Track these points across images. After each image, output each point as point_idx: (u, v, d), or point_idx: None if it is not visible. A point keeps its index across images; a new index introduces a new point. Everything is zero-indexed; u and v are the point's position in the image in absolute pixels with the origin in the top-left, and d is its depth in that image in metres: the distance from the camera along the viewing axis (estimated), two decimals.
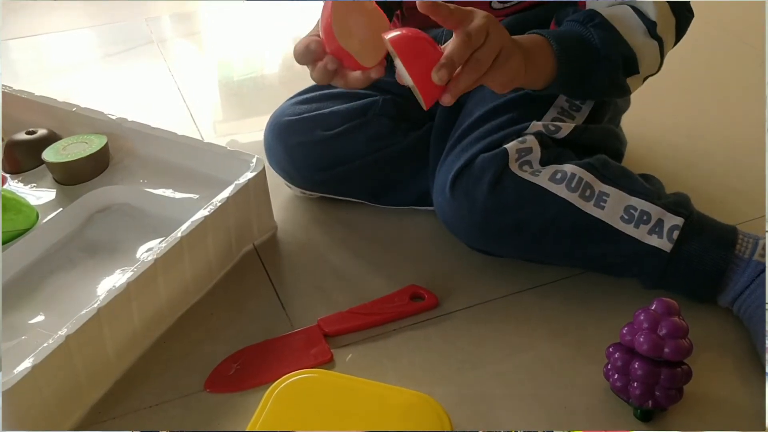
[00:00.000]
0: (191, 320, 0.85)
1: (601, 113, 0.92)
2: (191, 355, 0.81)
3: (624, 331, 0.73)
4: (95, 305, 0.73)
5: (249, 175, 0.90)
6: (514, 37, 0.77)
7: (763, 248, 0.81)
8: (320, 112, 0.96)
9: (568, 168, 0.81)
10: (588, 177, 0.81)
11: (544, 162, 0.83)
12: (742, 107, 1.25)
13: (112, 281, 0.80)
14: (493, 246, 0.86)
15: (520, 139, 0.83)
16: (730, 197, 1.01)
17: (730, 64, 1.39)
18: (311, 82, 1.03)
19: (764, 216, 0.98)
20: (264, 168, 0.92)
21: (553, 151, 0.84)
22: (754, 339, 0.78)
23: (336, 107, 0.96)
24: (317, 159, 0.95)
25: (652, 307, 0.72)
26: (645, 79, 0.87)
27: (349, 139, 0.94)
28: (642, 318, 0.72)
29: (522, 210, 0.81)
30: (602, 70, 0.82)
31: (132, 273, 0.76)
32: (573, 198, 0.80)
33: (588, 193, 0.81)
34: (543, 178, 0.81)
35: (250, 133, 1.27)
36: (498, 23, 0.73)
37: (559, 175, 0.81)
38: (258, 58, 1.52)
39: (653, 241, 0.80)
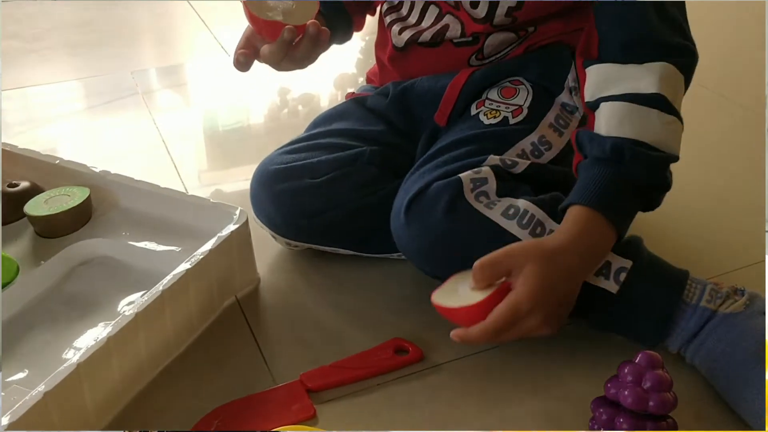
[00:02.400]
0: (172, 375, 0.84)
1: (568, 160, 0.91)
2: (172, 411, 0.79)
3: (609, 385, 0.73)
4: (74, 360, 0.72)
5: (232, 227, 0.90)
6: (560, 250, 0.76)
7: (710, 294, 0.80)
8: (308, 161, 0.96)
9: (521, 204, 0.82)
10: (540, 214, 0.81)
11: (501, 194, 0.83)
12: (722, 159, 1.27)
13: (94, 335, 0.79)
14: (443, 272, 0.85)
15: (475, 169, 0.84)
16: (709, 249, 1.02)
17: (708, 117, 1.41)
18: (298, 132, 1.05)
19: (743, 267, 0.99)
20: (247, 220, 0.92)
21: (510, 184, 0.85)
22: (720, 392, 0.78)
23: (324, 157, 0.96)
24: (304, 206, 0.95)
25: (636, 360, 0.72)
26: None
27: (336, 187, 0.94)
28: (626, 371, 0.72)
29: (472, 240, 0.82)
30: (657, 193, 0.82)
31: (112, 327, 0.75)
32: (523, 235, 0.81)
33: (539, 230, 0.81)
34: (496, 213, 0.82)
35: (235, 182, 1.27)
36: (550, 281, 0.74)
37: (512, 211, 0.81)
38: (243, 109, 1.53)
39: (600, 282, 0.80)
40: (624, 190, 0.79)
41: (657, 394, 0.70)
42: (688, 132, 1.32)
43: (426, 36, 0.96)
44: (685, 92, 0.85)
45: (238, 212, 0.93)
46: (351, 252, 0.99)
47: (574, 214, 0.79)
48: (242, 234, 0.92)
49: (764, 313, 0.78)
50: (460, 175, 0.83)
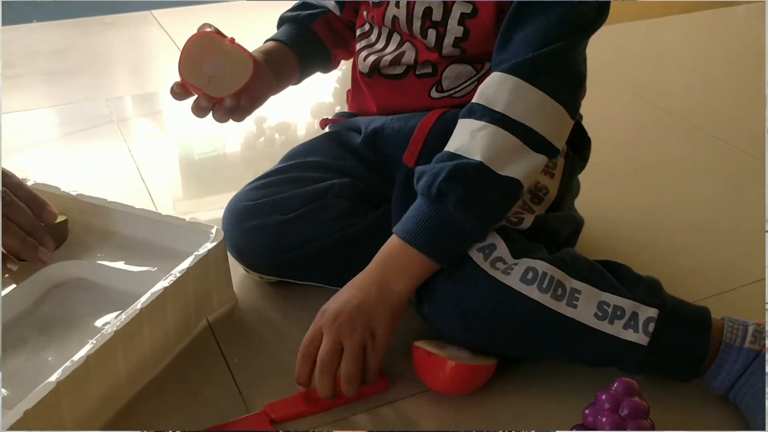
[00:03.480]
0: (144, 406, 0.82)
1: (563, 202, 0.93)
2: None
3: (586, 412, 0.73)
4: (54, 378, 0.71)
5: (209, 245, 0.90)
6: (366, 274, 0.82)
7: (753, 335, 0.80)
8: (278, 196, 0.95)
9: (540, 266, 0.80)
10: (559, 274, 0.80)
11: (516, 255, 0.82)
12: (691, 186, 1.29)
13: (69, 357, 0.78)
14: (473, 342, 0.85)
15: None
16: (683, 277, 1.02)
17: (677, 145, 1.44)
18: (274, 161, 1.06)
19: (717, 295, 1.00)
20: (224, 239, 0.92)
21: (523, 244, 0.84)
22: (753, 427, 0.78)
23: (294, 191, 0.96)
24: (275, 242, 0.94)
25: (613, 388, 0.73)
26: (539, 148, 0.82)
27: (308, 222, 0.94)
28: (603, 398, 0.72)
29: (495, 310, 0.80)
30: (447, 208, 0.80)
31: (91, 345, 0.75)
32: (545, 299, 0.79)
33: (560, 292, 0.80)
34: (514, 279, 0.80)
35: (211, 210, 1.27)
36: (337, 308, 0.80)
37: (530, 275, 0.80)
38: (219, 137, 1.53)
39: (629, 335, 0.79)
40: (416, 217, 0.81)
41: (634, 421, 0.70)
42: (660, 160, 1.37)
43: (386, 60, 0.97)
44: (570, 76, 0.85)
45: (214, 231, 0.93)
46: (325, 286, 0.98)
47: (388, 245, 0.83)
48: (219, 253, 0.92)
49: None
50: (468, 251, 0.81)
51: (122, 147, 1.44)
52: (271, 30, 1.06)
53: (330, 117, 1.12)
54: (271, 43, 1.02)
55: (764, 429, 0.75)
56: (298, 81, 1.05)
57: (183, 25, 2.03)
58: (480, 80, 0.95)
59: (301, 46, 1.02)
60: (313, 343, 0.80)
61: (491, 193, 0.81)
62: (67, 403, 0.72)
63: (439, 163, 0.82)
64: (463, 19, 0.91)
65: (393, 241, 0.82)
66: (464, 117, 0.84)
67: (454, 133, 0.84)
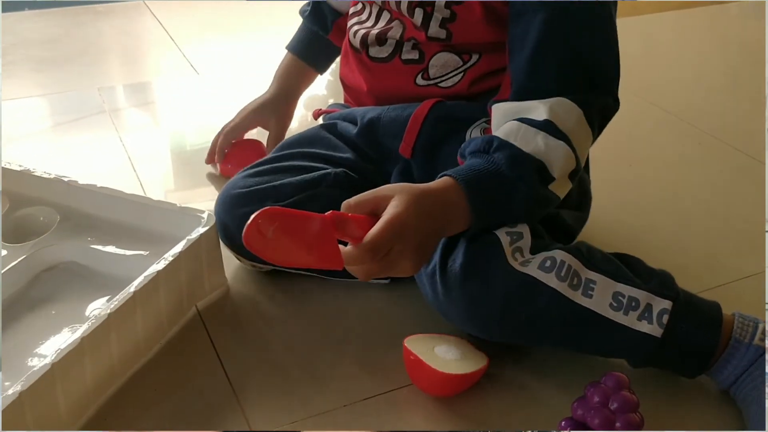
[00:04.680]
0: (134, 394, 0.82)
1: (568, 198, 0.93)
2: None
3: (575, 405, 0.73)
4: (48, 360, 0.71)
5: (200, 230, 0.90)
6: (425, 193, 0.77)
7: (763, 332, 0.80)
8: (271, 184, 0.95)
9: (557, 254, 0.80)
10: (575, 264, 0.80)
11: (534, 251, 0.81)
12: (683, 183, 1.29)
13: (61, 340, 0.78)
14: (481, 333, 0.84)
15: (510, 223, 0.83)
16: (672, 272, 1.03)
17: (669, 142, 1.44)
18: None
19: (706, 290, 0.99)
20: (215, 224, 0.92)
21: (543, 242, 0.83)
22: (746, 420, 0.78)
23: (287, 179, 0.96)
24: None
25: (603, 382, 0.73)
26: (572, 177, 0.85)
27: (301, 209, 0.94)
28: (593, 392, 0.72)
29: (511, 300, 0.79)
30: (519, 191, 0.80)
31: (85, 327, 0.75)
32: (562, 288, 0.79)
33: (575, 281, 0.79)
34: (533, 267, 0.80)
35: (203, 203, 1.25)
36: (410, 219, 0.74)
37: (548, 263, 0.79)
38: (212, 128, 1.51)
39: (643, 327, 0.79)
40: (487, 175, 0.80)
41: (623, 415, 0.71)
42: (652, 156, 1.37)
43: (373, 35, 0.99)
44: (597, 132, 0.87)
45: (206, 215, 0.93)
46: (316, 275, 0.98)
47: (442, 180, 0.80)
48: (211, 237, 0.92)
49: None
50: (496, 232, 0.81)
51: (114, 137, 1.43)
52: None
53: (323, 108, 1.12)
54: (288, 59, 1.26)
55: (763, 428, 0.75)
56: (321, 74, 1.29)
57: (176, 15, 2.02)
58: (466, 72, 0.96)
59: (316, 56, 1.25)
60: (383, 250, 0.73)
61: (543, 202, 0.84)
62: (61, 386, 0.72)
63: (524, 152, 0.81)
64: (449, 4, 0.92)
65: (458, 190, 0.79)
66: (533, 126, 0.82)
67: (516, 133, 0.82)
